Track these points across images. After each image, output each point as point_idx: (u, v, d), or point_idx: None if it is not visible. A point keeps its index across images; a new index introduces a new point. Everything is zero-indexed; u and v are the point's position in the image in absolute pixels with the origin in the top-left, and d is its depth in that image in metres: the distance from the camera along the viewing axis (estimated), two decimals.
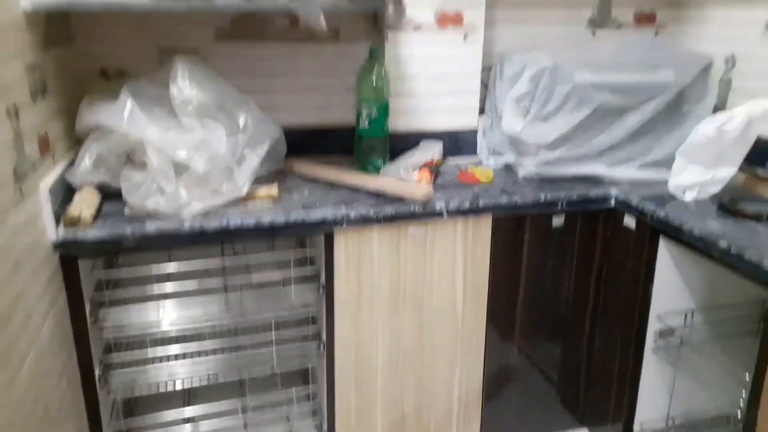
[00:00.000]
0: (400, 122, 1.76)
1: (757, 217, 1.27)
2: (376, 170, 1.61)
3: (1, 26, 1.03)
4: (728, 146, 1.37)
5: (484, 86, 1.83)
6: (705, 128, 1.36)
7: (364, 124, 1.62)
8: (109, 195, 1.34)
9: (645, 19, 1.97)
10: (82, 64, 1.56)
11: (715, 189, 1.42)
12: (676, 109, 1.55)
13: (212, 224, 1.27)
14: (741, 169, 1.45)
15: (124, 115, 1.24)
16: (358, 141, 1.65)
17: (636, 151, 1.57)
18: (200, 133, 1.29)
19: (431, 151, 1.67)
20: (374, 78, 1.58)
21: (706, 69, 1.55)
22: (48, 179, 1.19)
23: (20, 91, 1.09)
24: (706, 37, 1.84)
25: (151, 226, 1.24)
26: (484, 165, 1.74)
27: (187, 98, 1.28)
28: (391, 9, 1.62)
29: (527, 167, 1.59)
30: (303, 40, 1.71)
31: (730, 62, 1.74)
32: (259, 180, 1.44)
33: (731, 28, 1.74)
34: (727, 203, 1.34)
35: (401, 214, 1.41)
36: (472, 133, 1.83)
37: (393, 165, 1.57)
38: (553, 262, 1.58)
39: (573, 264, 1.60)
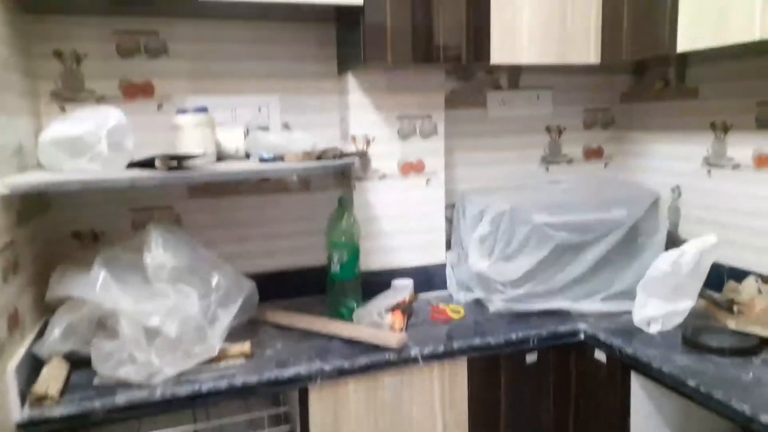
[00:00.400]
0: (371, 261, 1.80)
1: (721, 352, 1.31)
2: (350, 312, 1.63)
3: None
4: (685, 279, 1.44)
5: (449, 222, 1.92)
6: (661, 264, 1.43)
7: (336, 268, 1.66)
8: (79, 363, 1.32)
9: (593, 153, 2.12)
10: (55, 229, 1.59)
11: (678, 320, 1.47)
12: (631, 243, 1.63)
13: (184, 390, 1.25)
14: (701, 294, 1.51)
15: (96, 287, 1.26)
16: (331, 284, 1.68)
17: (598, 284, 1.63)
18: (173, 298, 1.30)
19: (402, 291, 1.71)
20: (343, 225, 1.65)
21: (655, 203, 1.65)
22: (15, 359, 1.18)
23: None
24: (651, 168, 1.98)
25: (120, 398, 1.21)
26: (455, 300, 1.78)
27: (160, 265, 1.31)
28: (357, 163, 1.72)
29: (496, 303, 1.63)
30: (275, 192, 1.79)
31: (677, 192, 1.86)
32: (231, 332, 1.44)
33: (673, 161, 1.88)
34: (691, 336, 1.38)
35: (376, 363, 1.40)
36: (441, 267, 1.88)
37: (366, 308, 1.59)
38: (531, 398, 1.58)
39: (550, 399, 1.60)
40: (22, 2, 1.39)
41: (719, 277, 1.64)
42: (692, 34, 1.41)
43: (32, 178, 1.21)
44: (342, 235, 1.65)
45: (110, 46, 1.59)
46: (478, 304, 1.71)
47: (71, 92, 1.57)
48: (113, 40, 1.59)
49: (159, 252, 1.32)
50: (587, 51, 1.70)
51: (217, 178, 1.35)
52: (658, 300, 1.46)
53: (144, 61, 1.62)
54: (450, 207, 1.91)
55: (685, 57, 1.70)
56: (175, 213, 1.71)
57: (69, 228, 1.62)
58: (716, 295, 1.58)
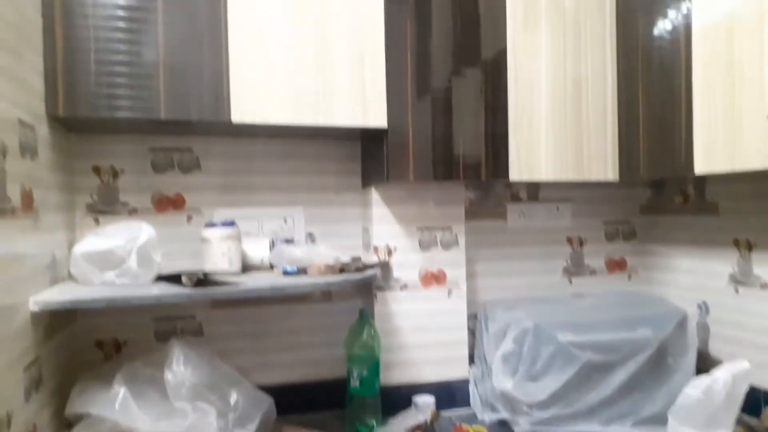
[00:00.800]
0: (392, 375, 1.77)
1: None
2: (369, 430, 1.58)
3: (7, 336, 1.08)
4: (718, 407, 1.38)
5: (472, 334, 1.89)
6: (692, 391, 1.38)
7: (356, 383, 1.63)
8: None
9: (616, 265, 2.11)
10: (79, 338, 1.61)
11: None
12: (661, 363, 1.59)
13: None
14: (738, 420, 1.44)
15: (115, 405, 1.25)
16: (350, 399, 1.64)
17: (628, 407, 1.56)
18: (191, 417, 1.28)
19: (424, 410, 1.66)
20: (364, 339, 1.63)
21: (682, 322, 1.62)
22: None
23: (15, 397, 1.10)
24: (676, 283, 1.95)
25: None
26: (479, 420, 1.71)
27: (180, 383, 1.30)
28: (379, 273, 1.73)
29: (523, 426, 1.57)
30: (296, 302, 1.80)
31: (704, 308, 1.83)
32: None
33: (699, 276, 1.85)
34: None
35: None
36: (464, 383, 1.83)
37: (386, 429, 1.55)
38: None
39: None
40: (67, 124, 1.48)
41: (756, 401, 1.57)
42: (708, 158, 1.44)
43: (62, 296, 1.24)
44: (362, 348, 1.63)
45: (146, 162, 1.67)
46: (504, 425, 1.65)
47: (106, 205, 1.63)
48: (149, 156, 1.67)
49: (180, 369, 1.32)
50: (605, 169, 1.74)
51: (240, 295, 1.36)
52: (692, 429, 1.39)
53: (177, 176, 1.70)
54: (472, 317, 1.89)
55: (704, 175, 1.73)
56: (198, 323, 1.72)
57: (93, 337, 1.63)
58: (753, 422, 1.50)
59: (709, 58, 1.43)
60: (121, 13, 1.38)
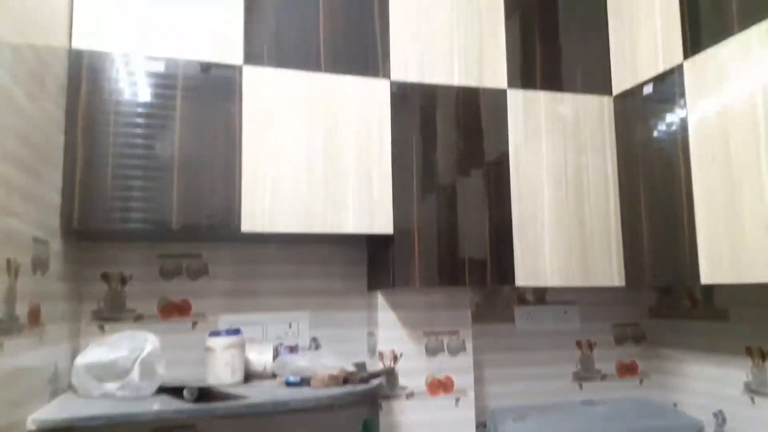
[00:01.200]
0: None
1: None
2: None
3: None
4: None
5: None
6: None
7: None
8: None
9: (627, 370, 2.06)
10: None
11: None
12: None
13: None
14: None
15: None
16: None
17: None
18: None
19: None
20: None
21: None
22: None
23: None
24: (690, 389, 1.89)
25: None
26: None
27: None
28: (384, 381, 1.69)
29: None
30: (297, 411, 1.73)
31: (720, 418, 1.76)
32: None
33: (713, 384, 1.80)
34: None
35: None
36: None
37: None
38: None
39: None
40: (80, 234, 1.51)
41: None
42: (714, 268, 1.44)
43: (60, 414, 1.21)
44: None
45: (155, 268, 1.69)
46: None
47: (112, 312, 1.64)
48: (158, 263, 1.69)
49: None
50: (611, 275, 1.74)
51: (242, 411, 1.33)
52: None
53: (184, 282, 1.71)
54: (480, 426, 1.83)
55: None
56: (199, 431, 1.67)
57: None
58: None
59: (707, 164, 1.46)
60: (138, 130, 1.44)
